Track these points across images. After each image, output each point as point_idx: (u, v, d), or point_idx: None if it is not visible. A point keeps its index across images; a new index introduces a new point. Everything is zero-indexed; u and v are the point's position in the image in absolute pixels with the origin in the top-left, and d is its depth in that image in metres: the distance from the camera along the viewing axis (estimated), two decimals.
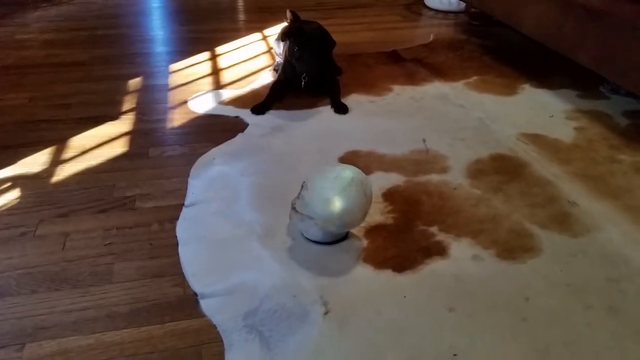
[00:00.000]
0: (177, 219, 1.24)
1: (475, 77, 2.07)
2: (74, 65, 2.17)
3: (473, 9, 2.71)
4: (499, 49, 2.38)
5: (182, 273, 1.08)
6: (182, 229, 1.21)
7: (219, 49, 2.36)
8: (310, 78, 1.82)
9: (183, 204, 1.30)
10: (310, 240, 1.16)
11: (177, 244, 1.16)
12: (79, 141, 1.60)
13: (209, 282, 1.05)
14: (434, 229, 1.21)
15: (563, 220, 1.25)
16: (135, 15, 2.89)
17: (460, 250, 1.14)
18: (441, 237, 1.18)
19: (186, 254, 1.13)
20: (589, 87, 1.99)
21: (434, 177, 1.41)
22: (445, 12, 2.99)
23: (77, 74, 2.08)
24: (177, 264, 1.11)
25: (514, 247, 1.16)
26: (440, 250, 1.14)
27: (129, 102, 1.84)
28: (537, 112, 1.79)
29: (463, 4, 2.86)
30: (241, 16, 2.95)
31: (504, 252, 1.14)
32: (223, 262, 1.11)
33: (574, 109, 1.83)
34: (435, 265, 1.10)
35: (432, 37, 2.55)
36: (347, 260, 1.12)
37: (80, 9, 2.99)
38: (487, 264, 1.11)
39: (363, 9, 3.04)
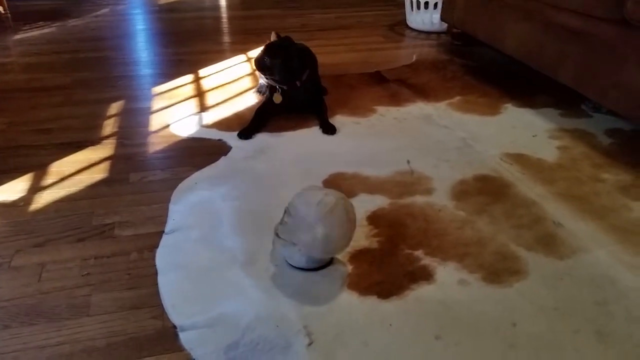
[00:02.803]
0: (157, 246, 1.21)
1: (458, 98, 2.08)
2: (55, 89, 2.14)
3: (455, 30, 2.74)
4: (481, 69, 2.40)
5: (161, 304, 1.05)
6: (162, 257, 1.18)
7: (202, 71, 2.36)
8: (286, 95, 1.82)
9: (163, 231, 1.27)
10: (294, 267, 1.14)
11: (157, 273, 1.13)
12: (58, 167, 1.56)
13: (189, 314, 1.02)
14: (419, 253, 1.19)
15: (549, 241, 1.25)
16: (118, 38, 2.88)
17: (446, 274, 1.13)
18: (427, 261, 1.17)
19: (165, 284, 1.10)
20: (571, 106, 2.00)
21: (419, 199, 1.40)
22: (428, 33, 3.02)
23: (58, 98, 2.05)
24: (156, 294, 1.08)
25: (500, 270, 1.15)
26: (426, 275, 1.12)
27: (110, 127, 1.82)
28: (520, 132, 1.80)
29: (445, 25, 2.90)
30: (226, 38, 2.96)
31: (490, 275, 1.13)
32: (204, 291, 1.08)
33: (557, 128, 1.84)
34: (421, 291, 1.08)
35: (414, 58, 2.56)
36: (332, 287, 1.09)
37: (61, 31, 2.97)
38: (473, 289, 1.09)
39: (346, 30, 3.06)
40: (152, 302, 1.06)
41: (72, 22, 3.17)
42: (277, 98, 1.83)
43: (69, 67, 2.40)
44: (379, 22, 3.22)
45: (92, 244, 1.23)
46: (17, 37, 2.86)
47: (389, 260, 1.17)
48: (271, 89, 1.88)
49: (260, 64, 1.77)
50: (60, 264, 1.17)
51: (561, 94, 2.08)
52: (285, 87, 1.82)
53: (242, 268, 1.14)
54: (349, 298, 1.06)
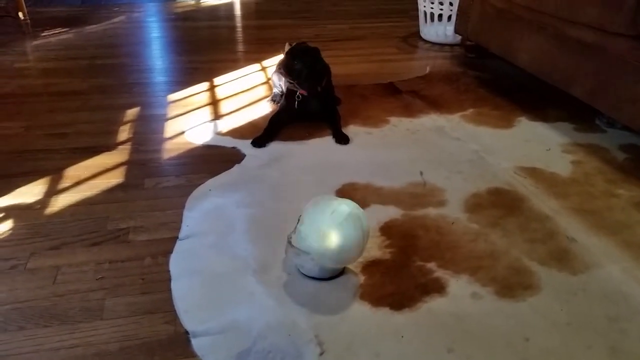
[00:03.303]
0: (171, 252, 1.22)
1: (471, 110, 2.08)
2: (72, 95, 2.17)
3: (468, 42, 2.75)
4: (494, 82, 2.40)
5: (174, 309, 1.06)
6: (176, 263, 1.19)
7: (217, 80, 2.38)
8: (303, 101, 1.83)
9: (177, 237, 1.28)
10: (306, 276, 1.14)
11: (170, 279, 1.14)
12: (74, 171, 1.58)
13: (201, 320, 1.03)
14: (431, 265, 1.19)
15: (562, 256, 1.24)
16: (134, 45, 2.92)
17: (459, 287, 1.13)
18: (439, 273, 1.17)
19: (179, 290, 1.10)
20: (585, 120, 2.00)
21: (432, 211, 1.40)
22: (441, 45, 3.02)
23: (74, 103, 2.08)
24: (170, 299, 1.09)
25: (513, 284, 1.14)
26: (438, 288, 1.12)
27: (125, 132, 1.84)
28: (533, 145, 1.80)
29: (459, 37, 2.91)
30: (240, 47, 2.98)
31: (503, 289, 1.13)
32: (216, 298, 1.08)
33: (571, 142, 1.83)
34: (433, 304, 1.08)
35: (428, 70, 2.57)
36: (344, 297, 1.09)
37: (79, 37, 3.02)
38: (486, 302, 1.09)
39: (360, 41, 3.08)
40: (165, 307, 1.07)
41: (89, 29, 3.22)
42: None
43: (85, 72, 2.43)
44: (393, 34, 3.24)
45: (107, 248, 1.25)
46: (36, 42, 2.91)
47: (401, 271, 1.17)
48: (288, 96, 1.89)
49: (288, 67, 1.78)
50: (75, 267, 1.18)
51: (575, 108, 2.08)
52: (306, 93, 1.84)
53: (255, 275, 1.15)
54: (361, 308, 1.06)
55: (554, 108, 2.11)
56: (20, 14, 3.23)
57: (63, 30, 3.17)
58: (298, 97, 1.84)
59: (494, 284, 1.14)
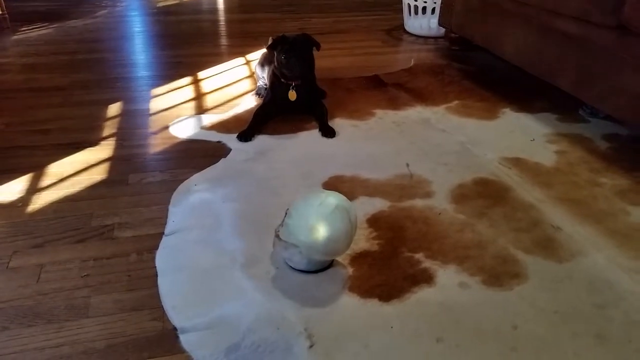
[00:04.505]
0: (157, 248, 1.21)
1: (456, 102, 2.09)
2: (53, 90, 2.13)
3: (453, 34, 2.75)
4: (479, 74, 2.41)
5: (162, 306, 1.05)
6: (162, 259, 1.17)
7: (201, 74, 2.36)
8: (300, 87, 1.83)
9: (163, 233, 1.26)
10: (295, 269, 1.14)
11: (157, 275, 1.13)
12: (57, 168, 1.56)
13: (189, 315, 1.02)
14: (419, 256, 1.19)
15: (548, 245, 1.25)
16: (117, 40, 2.88)
17: (447, 277, 1.13)
18: (427, 264, 1.17)
19: (165, 286, 1.09)
20: (569, 111, 2.01)
21: (418, 202, 1.40)
22: (425, 38, 3.03)
23: (56, 99, 2.04)
24: (156, 296, 1.07)
25: (500, 273, 1.15)
26: (426, 278, 1.12)
27: (109, 128, 1.81)
28: (518, 136, 1.81)
29: (443, 30, 2.91)
30: (224, 41, 2.96)
31: (490, 278, 1.13)
32: (204, 293, 1.07)
33: (554, 132, 1.84)
34: (422, 294, 1.08)
35: (412, 62, 2.57)
36: (333, 289, 1.09)
37: (60, 32, 2.97)
38: (474, 292, 1.09)
39: (344, 34, 3.07)
40: (152, 303, 1.06)
41: (70, 24, 3.16)
42: (292, 95, 1.84)
43: (67, 68, 2.39)
44: (377, 27, 3.23)
45: (92, 245, 1.23)
46: (15, 37, 2.86)
47: (389, 263, 1.17)
48: (273, 88, 1.88)
49: (281, 57, 1.77)
50: (59, 265, 1.16)
51: (558, 99, 2.09)
52: (299, 82, 1.83)
53: (243, 270, 1.14)
54: (349, 300, 1.06)
55: (538, 99, 2.13)
56: None
57: (43, 25, 3.11)
58: (293, 87, 1.83)
59: (481, 273, 1.15)
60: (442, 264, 1.17)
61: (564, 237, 1.28)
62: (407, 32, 3.12)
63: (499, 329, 1.01)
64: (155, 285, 1.10)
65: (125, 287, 1.10)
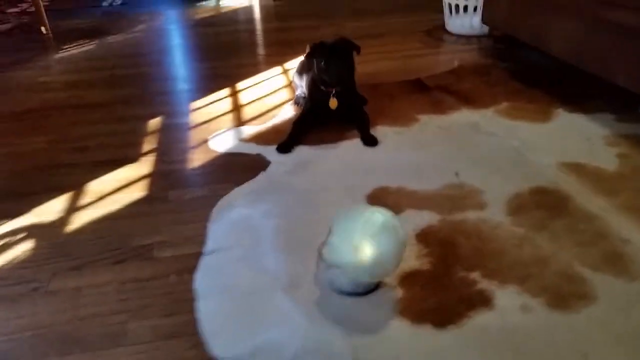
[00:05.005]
0: (196, 268, 1.16)
1: (505, 104, 1.97)
2: (94, 107, 2.14)
3: (497, 32, 2.63)
4: (527, 73, 2.28)
5: (201, 332, 1.00)
6: (201, 280, 1.13)
7: (239, 85, 2.32)
8: (340, 94, 1.76)
9: (202, 252, 1.22)
10: (340, 292, 1.07)
11: (196, 298, 1.08)
12: (96, 186, 1.54)
13: (229, 343, 0.96)
14: (475, 275, 1.10)
15: (617, 260, 1.14)
16: (155, 54, 2.89)
17: (507, 299, 1.03)
18: (484, 284, 1.08)
19: (204, 310, 1.04)
20: (627, 110, 1.87)
21: (471, 215, 1.31)
22: (468, 37, 2.91)
23: (97, 115, 2.05)
24: (195, 321, 1.02)
25: (565, 294, 1.05)
26: (484, 300, 1.03)
27: (148, 143, 1.79)
28: (574, 139, 1.68)
29: (486, 28, 2.79)
30: (261, 51, 2.93)
31: (555, 300, 1.03)
32: (245, 318, 1.02)
33: (614, 134, 1.71)
34: (480, 318, 0.99)
35: (456, 63, 2.47)
36: (382, 314, 1.02)
37: (100, 49, 3.01)
38: (537, 315, 1.00)
39: (382, 37, 2.99)
40: (191, 330, 1.01)
41: (110, 39, 3.21)
42: (333, 103, 1.77)
43: (107, 84, 2.41)
44: (416, 28, 3.14)
45: (130, 266, 1.19)
46: (58, 56, 2.91)
47: (442, 283, 1.08)
48: (312, 97, 1.82)
49: (321, 63, 1.71)
50: (97, 288, 1.13)
51: (615, 97, 1.95)
52: (339, 89, 1.76)
53: (286, 292, 1.08)
54: (401, 326, 0.98)
55: (593, 98, 1.99)
56: (43, 29, 3.25)
57: (85, 42, 3.17)
58: (333, 94, 1.77)
59: (544, 293, 1.05)
60: (501, 284, 1.07)
61: (635, 251, 1.16)
62: (448, 32, 3.01)
63: (568, 357, 0.91)
64: (194, 309, 1.05)
65: (164, 311, 1.06)
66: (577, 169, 1.50)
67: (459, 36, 2.94)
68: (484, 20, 2.63)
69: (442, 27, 3.11)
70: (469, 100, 2.02)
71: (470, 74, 2.30)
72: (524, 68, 2.35)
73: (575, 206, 1.33)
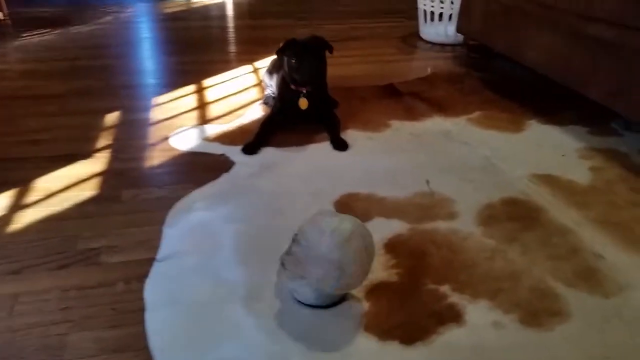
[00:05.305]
0: (147, 276, 1.07)
1: (477, 113, 1.94)
2: (50, 98, 2.02)
3: (471, 42, 2.62)
4: (501, 83, 2.26)
5: (149, 347, 0.91)
6: (152, 289, 1.03)
7: (206, 82, 2.23)
8: (311, 95, 1.70)
9: (155, 258, 1.13)
10: (302, 303, 1.00)
11: (145, 309, 0.99)
12: (45, 183, 1.43)
13: None
14: (445, 288, 1.04)
15: (590, 276, 1.10)
16: (121, 46, 2.77)
17: (478, 315, 0.98)
18: (454, 298, 1.02)
19: (154, 322, 0.95)
20: (600, 124, 1.86)
21: (442, 225, 1.26)
22: (442, 45, 2.89)
23: (52, 107, 1.93)
24: (143, 334, 0.93)
25: (538, 310, 1.00)
26: (454, 316, 0.97)
27: (104, 139, 1.69)
28: (547, 151, 1.66)
29: (461, 37, 2.77)
30: (232, 48, 2.84)
31: (527, 316, 0.98)
32: (198, 332, 0.93)
33: (587, 146, 1.69)
34: (450, 335, 0.93)
35: (429, 71, 2.44)
36: (346, 329, 0.95)
37: (62, 39, 2.86)
38: (510, 332, 0.94)
39: (357, 41, 2.94)
40: (138, 344, 0.92)
41: (73, 30, 3.07)
42: (304, 103, 1.70)
43: (66, 75, 2.28)
44: (391, 34, 3.10)
45: (75, 272, 1.09)
46: (16, 43, 2.76)
47: (411, 296, 1.02)
48: (281, 97, 1.75)
49: (292, 61, 1.64)
50: (36, 296, 1.03)
51: (588, 110, 1.94)
52: (310, 89, 1.70)
53: (244, 304, 1.00)
54: (366, 343, 0.91)
55: (566, 110, 1.98)
56: (0, 14, 3.09)
57: (46, 30, 3.02)
58: (303, 94, 1.69)
59: (517, 309, 1.00)
60: (472, 299, 1.02)
61: (608, 266, 1.13)
62: (423, 40, 2.99)
63: None
64: (142, 321, 0.96)
65: (109, 322, 0.97)
66: (549, 180, 1.47)
67: (433, 44, 2.92)
68: (458, 29, 2.61)
69: (416, 34, 3.08)
70: (442, 107, 1.98)
71: (444, 82, 2.27)
72: (497, 78, 2.33)
73: (547, 219, 1.29)
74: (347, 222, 0.95)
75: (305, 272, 0.94)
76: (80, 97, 2.03)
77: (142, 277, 1.07)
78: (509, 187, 1.43)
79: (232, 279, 1.06)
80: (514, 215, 1.30)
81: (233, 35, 3.10)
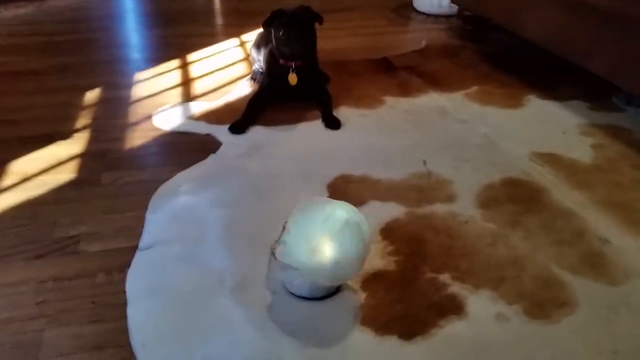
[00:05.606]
0: (129, 266, 1.01)
1: (475, 87, 1.87)
2: (26, 75, 1.92)
3: (467, 12, 2.52)
4: (498, 56, 2.18)
5: (130, 343, 0.85)
6: (134, 280, 0.97)
7: (191, 56, 2.13)
8: (301, 70, 1.61)
9: (137, 247, 1.06)
10: (295, 295, 0.94)
11: (127, 302, 0.93)
12: (21, 165, 1.35)
13: (163, 357, 0.82)
14: (445, 277, 0.99)
15: (596, 262, 1.05)
16: (102, 19, 2.64)
17: (480, 306, 0.93)
18: (455, 287, 0.97)
19: (136, 316, 0.89)
20: (601, 99, 1.80)
21: (440, 208, 1.20)
22: (436, 16, 2.79)
23: (28, 85, 1.83)
24: (125, 329, 0.87)
25: (544, 300, 0.95)
26: (455, 307, 0.92)
27: (84, 118, 1.60)
28: (547, 127, 1.60)
29: (455, 7, 2.67)
30: (218, 20, 2.73)
31: (532, 307, 0.93)
32: (183, 326, 0.88)
33: (588, 123, 1.63)
34: (451, 328, 0.88)
35: (424, 43, 2.35)
36: (342, 322, 0.89)
37: (39, 12, 2.73)
38: (514, 325, 0.89)
39: (347, 12, 2.83)
40: (120, 340, 0.86)
41: (50, 3, 2.91)
42: (293, 78, 1.61)
43: (43, 50, 2.17)
44: (383, 4, 2.99)
45: (52, 262, 1.03)
46: None
47: (409, 286, 0.97)
48: (270, 72, 1.66)
49: (279, 33, 1.55)
50: (10, 288, 0.97)
51: (588, 84, 1.87)
52: (299, 64, 1.61)
53: (231, 295, 0.94)
54: (363, 337, 0.86)
55: (566, 85, 1.91)
56: None
57: (20, 3, 2.87)
58: (293, 69, 1.61)
59: (521, 300, 0.95)
60: (474, 289, 0.97)
61: (614, 251, 1.08)
62: (416, 10, 2.88)
63: None
64: (124, 315, 0.90)
65: (88, 317, 0.90)
66: (550, 159, 1.41)
67: (427, 15, 2.82)
68: (453, 0, 2.51)
69: (409, 4, 2.98)
70: (437, 82, 1.90)
71: (439, 55, 2.19)
72: (495, 51, 2.25)
73: (550, 200, 1.24)
74: (340, 209, 0.89)
75: (297, 263, 0.88)
76: (58, 74, 1.93)
77: (124, 267, 1.01)
78: (510, 167, 1.37)
79: (219, 268, 1.00)
80: (515, 197, 1.24)
81: (219, 7, 2.98)
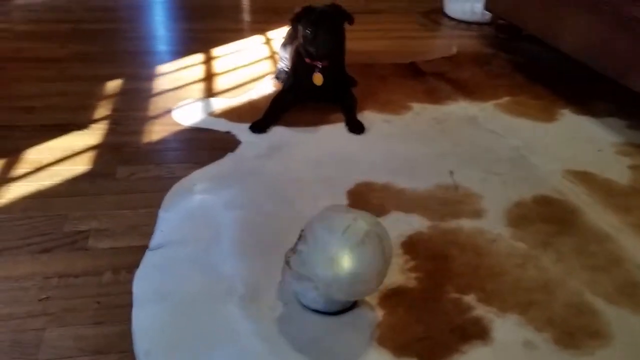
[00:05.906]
0: (138, 266, 0.97)
1: (506, 98, 1.80)
2: (48, 62, 1.90)
3: (500, 21, 2.45)
4: (531, 67, 2.10)
5: (133, 349, 0.80)
6: (141, 282, 0.93)
7: (215, 51, 2.09)
8: (327, 70, 1.56)
9: (147, 246, 1.02)
10: (308, 308, 0.89)
11: (133, 305, 0.88)
12: (35, 154, 1.32)
13: None
14: (470, 298, 0.93)
15: (633, 292, 0.98)
16: (129, 10, 2.63)
17: (507, 331, 0.86)
18: (480, 310, 0.90)
19: (141, 321, 0.85)
20: (639, 117, 1.71)
21: (466, 223, 1.13)
22: (468, 23, 2.71)
23: (49, 72, 1.81)
24: (129, 334, 0.83)
25: (575, 329, 0.88)
26: (480, 332, 0.86)
27: (103, 109, 1.57)
28: (581, 144, 1.52)
29: (488, 15, 2.60)
30: (244, 16, 2.69)
31: (563, 336, 0.86)
32: (189, 334, 0.83)
33: (625, 142, 1.55)
34: (474, 354, 0.82)
35: (454, 50, 2.28)
36: (357, 340, 0.84)
37: None
38: (542, 354, 0.83)
39: (377, 15, 2.78)
40: (122, 345, 0.82)
41: None
42: (318, 78, 1.56)
43: (68, 38, 2.15)
44: (414, 8, 2.92)
45: (59, 257, 0.99)
46: (19, 2, 2.62)
47: (431, 306, 0.91)
48: (296, 72, 1.61)
49: (307, 31, 1.50)
50: (14, 282, 0.93)
51: (626, 101, 1.79)
52: (326, 64, 1.56)
53: (241, 304, 0.89)
54: (379, 359, 0.80)
55: (602, 100, 1.82)
56: None
57: None
58: (319, 69, 1.56)
59: (550, 327, 0.88)
60: (500, 312, 0.90)
61: None
62: (447, 16, 2.81)
63: None
64: (128, 318, 0.86)
65: (92, 318, 0.86)
66: (585, 178, 1.34)
67: (458, 21, 2.74)
68: (486, 7, 2.43)
69: (441, 9, 2.91)
70: (468, 90, 1.83)
71: (470, 63, 2.12)
72: (528, 61, 2.17)
73: (584, 222, 1.16)
74: (361, 221, 0.83)
75: (312, 275, 0.82)
76: (81, 62, 1.91)
77: (132, 267, 0.96)
78: (542, 184, 1.30)
79: (230, 273, 0.95)
80: (547, 216, 1.17)
81: (247, 2, 2.94)
